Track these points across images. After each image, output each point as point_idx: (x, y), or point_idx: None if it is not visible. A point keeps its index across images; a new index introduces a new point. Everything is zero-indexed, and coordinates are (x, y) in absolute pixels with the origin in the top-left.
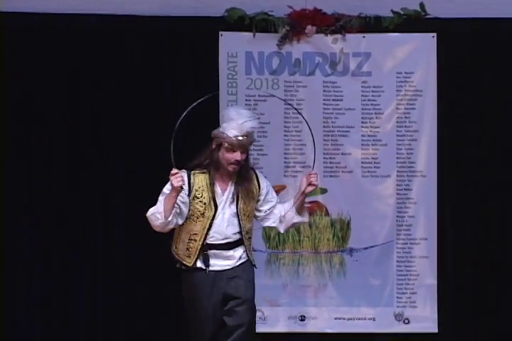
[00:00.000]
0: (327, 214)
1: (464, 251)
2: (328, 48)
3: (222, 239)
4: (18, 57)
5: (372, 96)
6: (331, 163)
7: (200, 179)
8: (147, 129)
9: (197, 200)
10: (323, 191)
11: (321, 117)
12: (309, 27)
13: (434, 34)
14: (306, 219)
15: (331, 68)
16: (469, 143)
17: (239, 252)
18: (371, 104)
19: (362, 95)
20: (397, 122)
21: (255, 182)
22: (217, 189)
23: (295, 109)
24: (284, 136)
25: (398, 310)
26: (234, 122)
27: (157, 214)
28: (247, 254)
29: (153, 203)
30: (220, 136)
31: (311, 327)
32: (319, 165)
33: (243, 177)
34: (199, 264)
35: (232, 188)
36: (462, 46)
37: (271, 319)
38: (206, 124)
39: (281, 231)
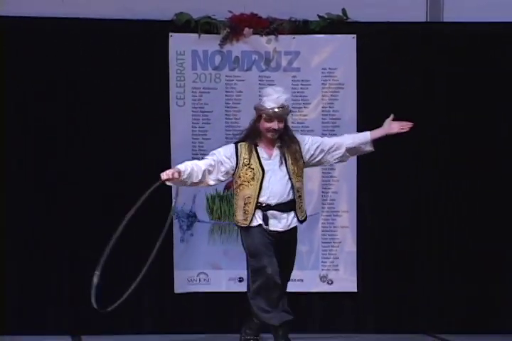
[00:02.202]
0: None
1: (380, 222)
2: (263, 47)
3: (276, 199)
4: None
5: (301, 88)
6: None
7: (247, 148)
8: (110, 123)
9: (246, 167)
10: None
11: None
12: (247, 29)
13: (354, 35)
14: (372, 148)
15: (265, 65)
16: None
17: (291, 216)
18: (300, 96)
19: (292, 88)
20: (322, 111)
21: (297, 145)
22: (264, 154)
23: None
24: (225, 122)
25: (323, 273)
26: (271, 96)
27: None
28: (297, 217)
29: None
30: (260, 108)
31: None
32: None
33: (286, 141)
34: (258, 222)
35: (278, 152)
36: (378, 46)
37: (214, 280)
38: (157, 118)
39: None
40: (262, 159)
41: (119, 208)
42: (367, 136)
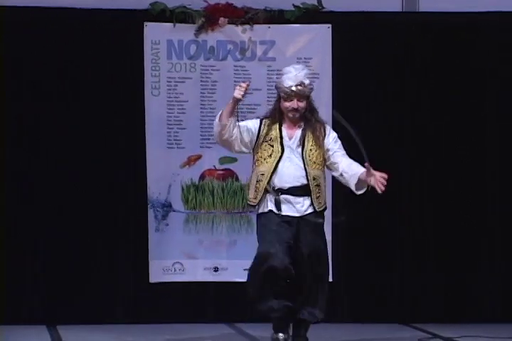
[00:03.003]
0: (237, 180)
1: (355, 212)
2: (238, 37)
3: (289, 182)
4: None
5: (276, 78)
6: None
7: (269, 125)
8: (84, 112)
9: (265, 143)
10: (234, 160)
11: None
12: (222, 19)
13: (329, 25)
14: (360, 190)
15: (240, 54)
16: (358, 117)
17: (308, 201)
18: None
19: (267, 77)
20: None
21: (322, 130)
22: (285, 134)
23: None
24: (201, 112)
25: None
26: (289, 74)
27: (216, 119)
28: (312, 204)
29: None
30: (279, 87)
31: (223, 276)
32: None
33: (310, 125)
34: (270, 207)
35: (299, 134)
36: (353, 35)
37: (189, 270)
38: (132, 107)
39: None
40: (283, 138)
41: (92, 195)
42: (356, 177)
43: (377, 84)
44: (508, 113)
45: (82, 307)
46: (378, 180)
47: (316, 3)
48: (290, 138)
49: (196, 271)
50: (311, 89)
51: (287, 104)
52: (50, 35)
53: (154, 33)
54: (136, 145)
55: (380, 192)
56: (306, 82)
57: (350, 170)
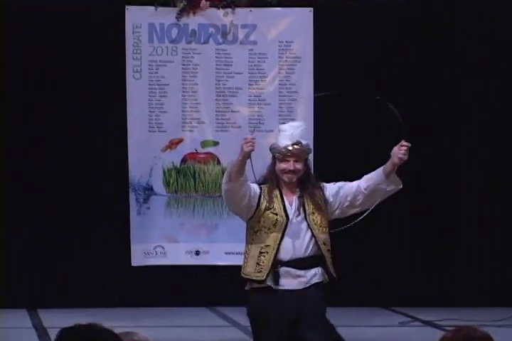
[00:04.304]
0: (219, 163)
1: None
2: (219, 20)
3: (297, 254)
4: None
5: (258, 62)
6: (222, 119)
7: (270, 191)
8: (66, 96)
9: (268, 211)
10: (216, 143)
11: (213, 80)
12: (203, 2)
13: (311, 8)
14: (398, 185)
15: (222, 37)
16: (339, 100)
17: (311, 273)
18: (257, 69)
19: (249, 61)
20: (279, 84)
21: (321, 194)
22: (286, 202)
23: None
24: (182, 95)
25: None
26: (285, 133)
27: (225, 178)
28: (322, 273)
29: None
30: (273, 148)
31: (205, 260)
32: (212, 121)
33: (307, 187)
34: (268, 282)
35: (297, 202)
36: (335, 19)
37: (170, 253)
38: (114, 90)
39: (369, 207)
40: (286, 206)
41: (73, 179)
42: (380, 173)
43: (358, 68)
44: None
45: (63, 291)
46: (397, 151)
47: None
48: (291, 205)
49: (178, 255)
50: (309, 150)
51: (283, 165)
52: (31, 19)
53: (135, 16)
54: (118, 128)
55: (401, 161)
56: (304, 142)
57: (368, 178)
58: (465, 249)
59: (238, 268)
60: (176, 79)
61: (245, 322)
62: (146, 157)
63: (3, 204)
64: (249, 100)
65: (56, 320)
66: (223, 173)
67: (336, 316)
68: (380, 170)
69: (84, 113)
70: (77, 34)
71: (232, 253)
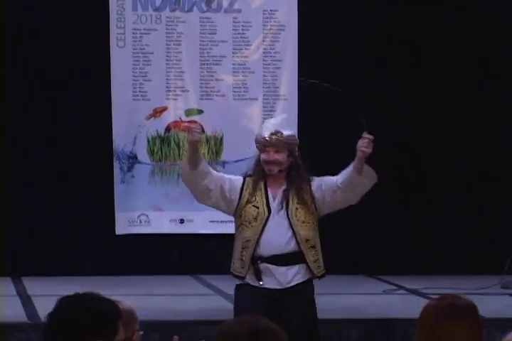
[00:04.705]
0: (203, 131)
1: (318, 164)
2: None
3: (276, 249)
4: None
5: (242, 30)
6: (206, 87)
7: (254, 184)
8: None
9: (250, 205)
10: (200, 112)
11: (197, 48)
12: None
13: None
14: (372, 178)
15: (206, 5)
16: (323, 70)
17: (293, 271)
18: (241, 37)
19: (233, 29)
20: (263, 53)
21: (308, 187)
22: (270, 194)
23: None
24: (166, 64)
25: None
26: (265, 124)
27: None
28: (306, 271)
29: None
30: (256, 139)
31: (189, 228)
32: (196, 90)
33: (294, 185)
34: (248, 279)
35: (281, 196)
36: None
37: (155, 222)
38: (97, 59)
39: (354, 202)
40: (269, 198)
41: (57, 147)
42: (351, 167)
43: (343, 36)
44: None
45: (47, 259)
46: (360, 145)
47: None
48: (274, 199)
49: (162, 223)
50: (292, 140)
51: (264, 156)
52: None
53: None
54: (102, 96)
55: (365, 154)
56: (286, 132)
57: (343, 172)
58: (450, 217)
59: (222, 236)
60: (159, 47)
61: (230, 290)
62: (130, 125)
63: None
64: (233, 68)
65: (40, 288)
66: (208, 142)
67: (319, 284)
68: (351, 164)
69: (68, 81)
70: (59, 1)
71: (217, 222)
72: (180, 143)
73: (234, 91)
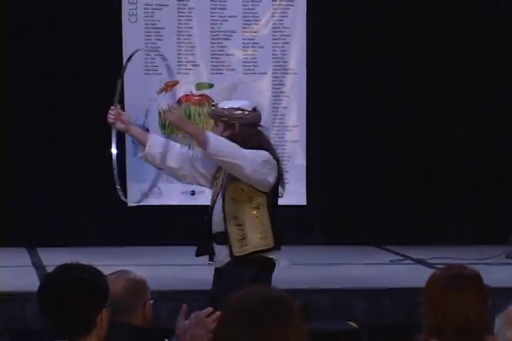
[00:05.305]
0: (213, 105)
1: (328, 137)
2: None
3: (215, 228)
4: None
5: (252, 5)
6: (217, 62)
7: None
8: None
9: (215, 182)
10: (211, 86)
11: (208, 23)
12: None
13: None
14: (199, 146)
15: None
16: (330, 48)
17: (225, 250)
18: (250, 12)
19: (243, 5)
20: (272, 28)
21: None
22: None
23: None
24: (177, 39)
25: None
26: None
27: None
28: (230, 251)
29: None
30: None
31: (200, 200)
32: (207, 64)
33: None
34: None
35: (221, 169)
36: None
37: (166, 194)
38: (110, 34)
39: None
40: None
41: (69, 121)
42: None
43: (353, 10)
44: None
45: (61, 230)
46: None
47: None
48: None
49: (173, 195)
50: (225, 114)
51: None
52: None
53: None
54: (114, 72)
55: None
56: (223, 104)
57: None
58: (457, 188)
59: None
60: (171, 22)
61: None
62: (141, 99)
63: None
64: (243, 43)
65: (55, 259)
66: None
67: (327, 254)
68: None
69: (80, 57)
70: None
71: None
72: (192, 117)
73: (244, 66)
